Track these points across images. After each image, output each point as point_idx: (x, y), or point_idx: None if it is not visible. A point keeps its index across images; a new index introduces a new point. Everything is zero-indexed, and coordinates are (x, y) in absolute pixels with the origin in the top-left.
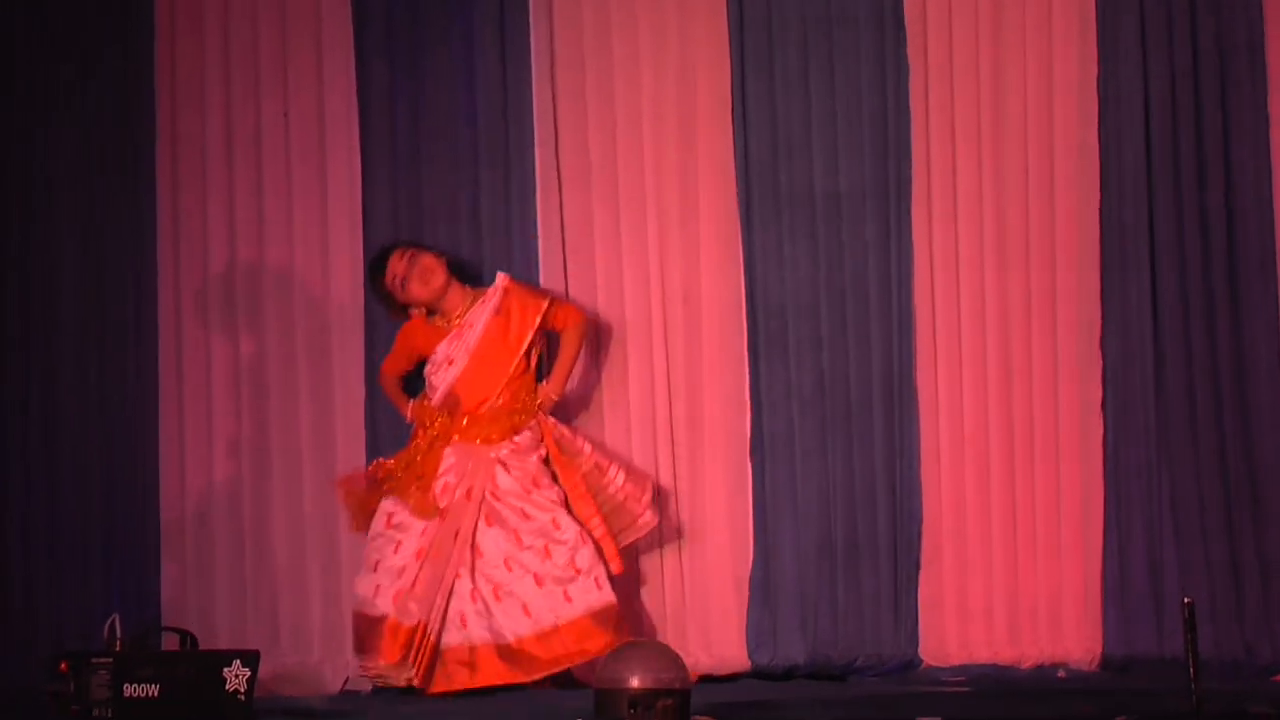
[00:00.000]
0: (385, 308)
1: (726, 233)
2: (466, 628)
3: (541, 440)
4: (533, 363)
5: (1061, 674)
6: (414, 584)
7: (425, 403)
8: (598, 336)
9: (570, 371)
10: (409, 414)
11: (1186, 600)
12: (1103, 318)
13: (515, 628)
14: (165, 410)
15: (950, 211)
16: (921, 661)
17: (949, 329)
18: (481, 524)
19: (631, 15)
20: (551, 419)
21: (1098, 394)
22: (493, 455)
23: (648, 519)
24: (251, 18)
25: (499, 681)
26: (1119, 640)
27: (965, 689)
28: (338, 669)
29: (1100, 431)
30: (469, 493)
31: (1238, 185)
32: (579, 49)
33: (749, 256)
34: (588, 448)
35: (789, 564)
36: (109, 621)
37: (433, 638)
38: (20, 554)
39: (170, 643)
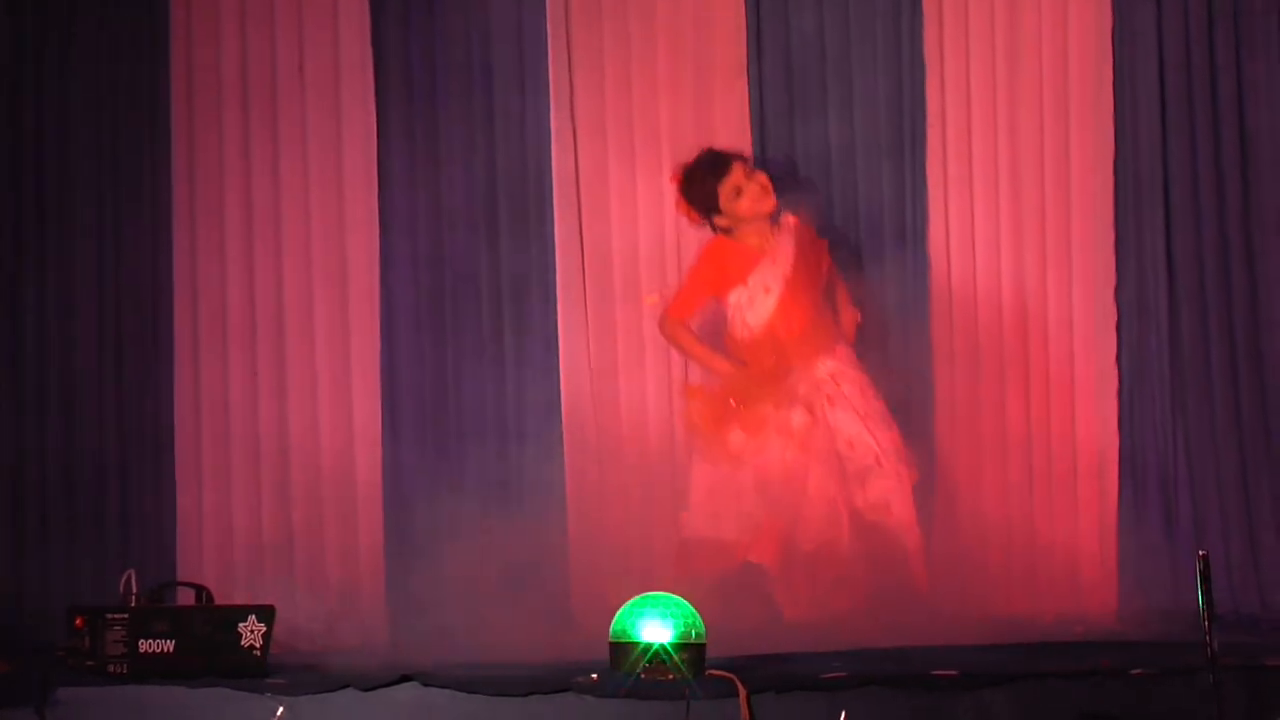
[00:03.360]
0: (693, 207)
1: None
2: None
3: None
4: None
5: (1077, 627)
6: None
7: (740, 347)
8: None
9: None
10: (730, 378)
11: (1201, 553)
12: (1117, 270)
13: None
14: (180, 363)
15: (965, 167)
16: (938, 615)
17: (964, 284)
18: (845, 446)
19: None
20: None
21: (1113, 346)
22: (821, 374)
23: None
24: None
25: None
26: (1135, 594)
27: (981, 642)
28: (354, 624)
29: (1115, 384)
30: (810, 408)
31: (1252, 139)
32: (596, 3)
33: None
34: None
35: None
36: (125, 576)
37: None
38: (36, 509)
39: (185, 598)
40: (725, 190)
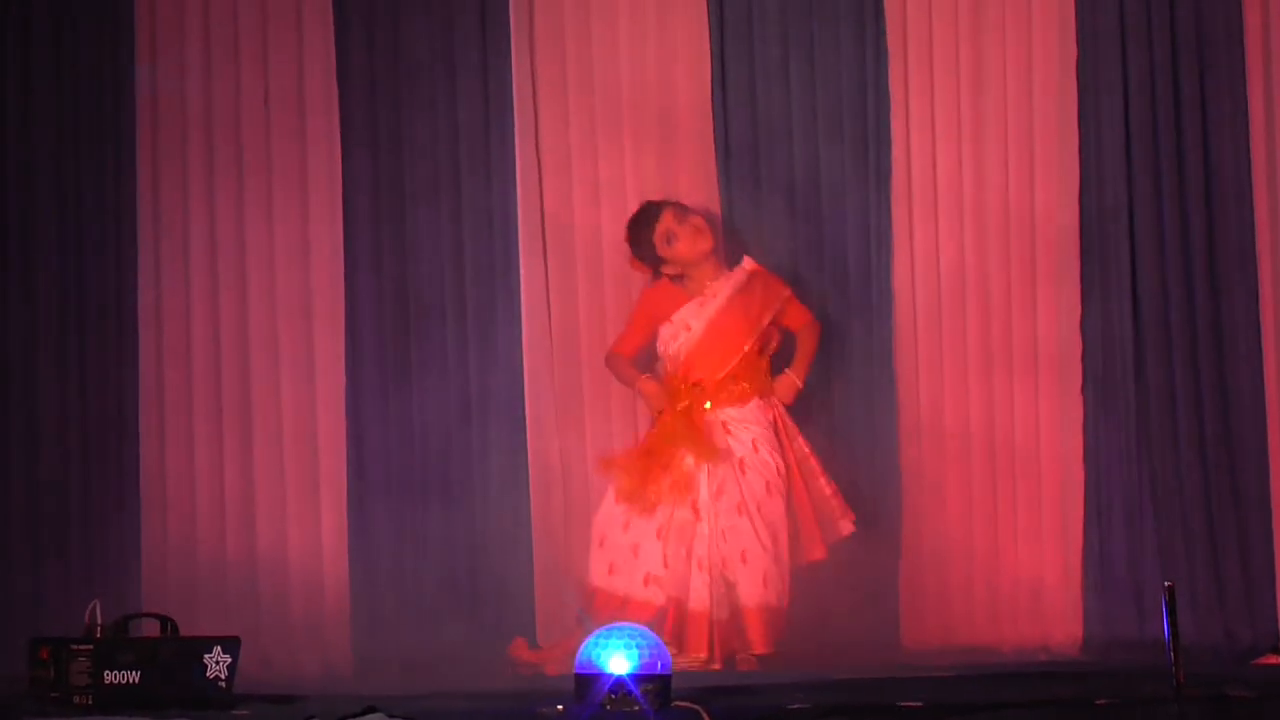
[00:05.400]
0: (639, 259)
1: None
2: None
3: (769, 413)
4: (768, 349)
5: (1043, 657)
6: (664, 562)
7: (665, 380)
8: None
9: (811, 363)
10: (652, 396)
11: (1167, 584)
12: (1082, 302)
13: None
14: (145, 394)
15: (930, 199)
16: (902, 645)
17: (929, 316)
18: (714, 493)
19: (612, 4)
20: (781, 407)
21: (1077, 378)
22: (719, 419)
23: (848, 520)
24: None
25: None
26: (1100, 623)
27: (946, 673)
28: (318, 655)
29: (1080, 415)
30: (696, 461)
31: (1216, 172)
32: (559, 37)
33: (729, 246)
34: (802, 445)
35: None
36: (89, 607)
37: (699, 612)
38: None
39: (151, 629)
40: (658, 238)
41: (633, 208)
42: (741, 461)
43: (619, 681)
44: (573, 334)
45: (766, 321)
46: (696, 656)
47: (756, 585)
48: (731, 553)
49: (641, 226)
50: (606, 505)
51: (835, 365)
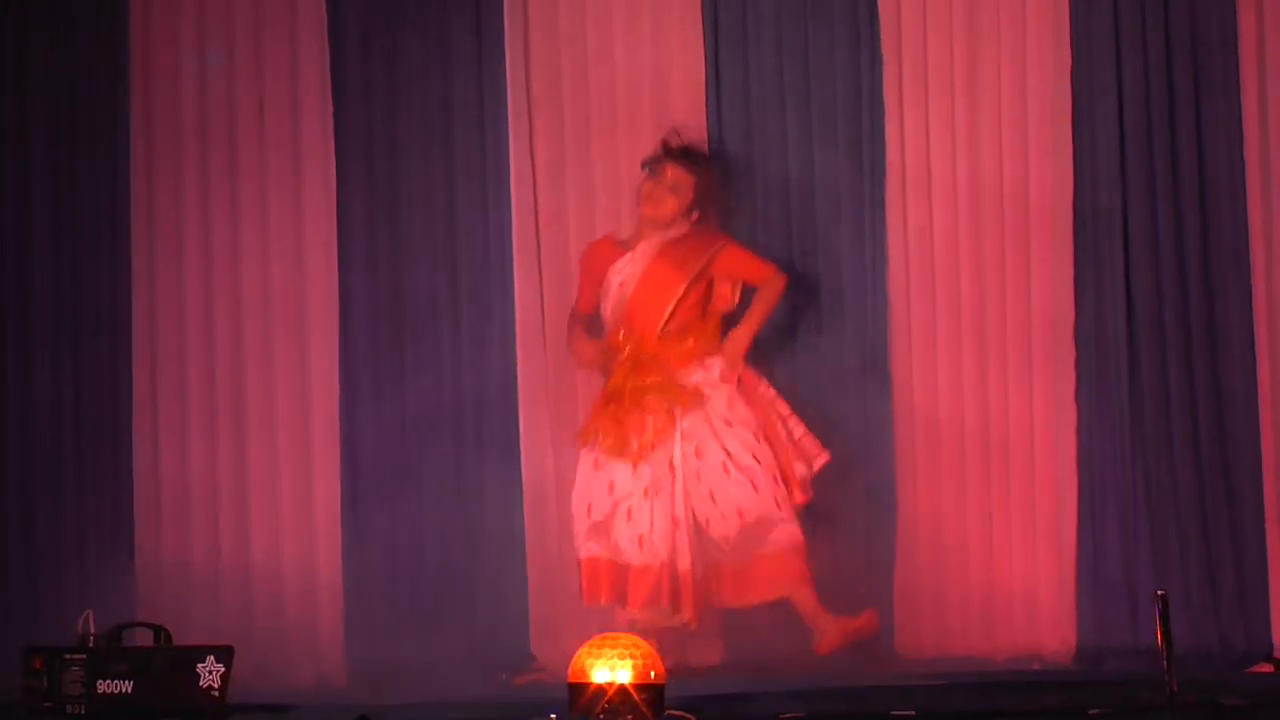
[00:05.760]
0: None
1: None
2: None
3: (731, 376)
4: (714, 308)
5: (1036, 666)
6: (651, 525)
7: (608, 342)
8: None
9: (763, 318)
10: (583, 355)
11: (1160, 592)
12: (1076, 308)
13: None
14: (139, 402)
15: (925, 202)
16: (896, 654)
17: (923, 320)
18: (691, 454)
19: (606, 9)
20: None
21: (1071, 384)
22: (691, 383)
23: (823, 457)
24: (226, 5)
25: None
26: (1094, 632)
27: (939, 681)
28: (312, 663)
29: (1074, 421)
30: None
31: (1210, 173)
32: (554, 42)
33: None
34: (767, 390)
35: None
36: (82, 617)
37: (685, 572)
38: None
39: (144, 638)
40: (645, 173)
41: (627, 213)
42: (726, 420)
43: (613, 691)
44: (567, 339)
45: (699, 266)
46: (682, 617)
47: (751, 539)
48: (724, 510)
49: (657, 153)
50: (584, 474)
51: (830, 371)
